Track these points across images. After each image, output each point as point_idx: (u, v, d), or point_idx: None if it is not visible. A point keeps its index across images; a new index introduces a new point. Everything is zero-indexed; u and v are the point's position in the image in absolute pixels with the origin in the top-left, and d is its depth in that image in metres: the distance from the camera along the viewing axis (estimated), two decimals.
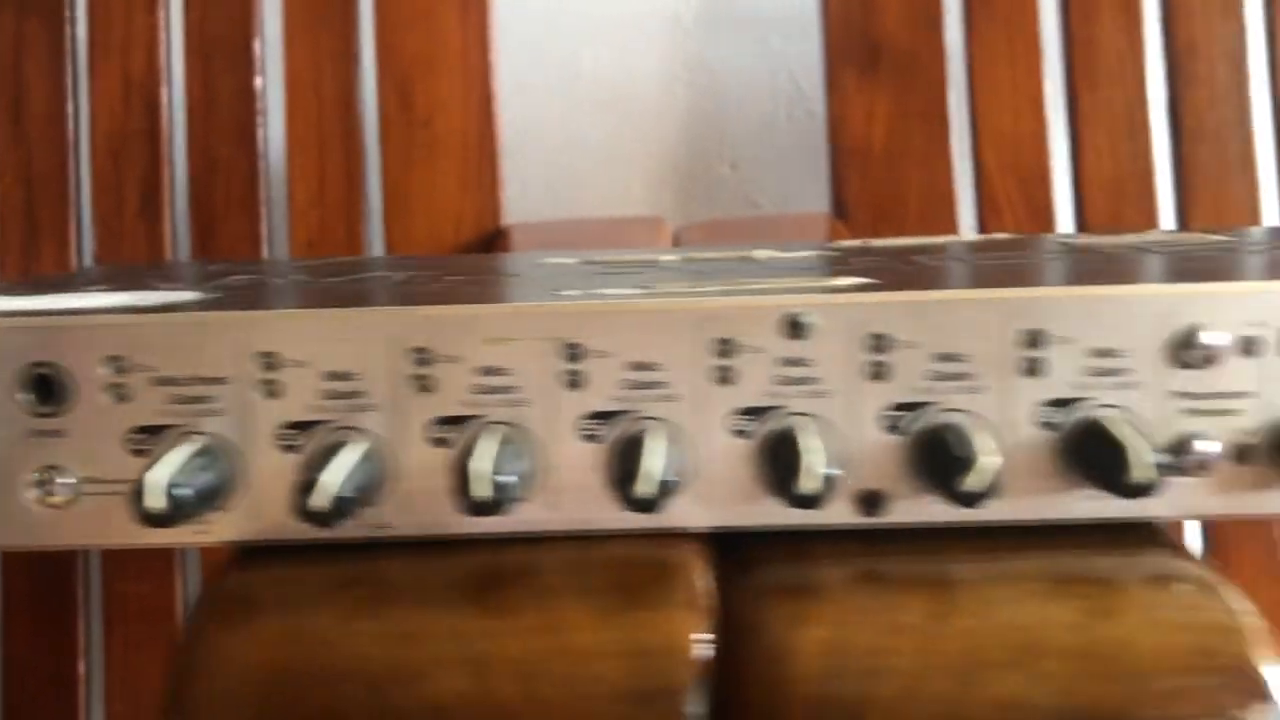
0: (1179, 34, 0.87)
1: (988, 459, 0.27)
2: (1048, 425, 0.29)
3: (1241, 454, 0.29)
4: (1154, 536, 0.30)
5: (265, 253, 0.81)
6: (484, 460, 0.27)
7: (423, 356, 0.29)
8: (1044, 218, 0.89)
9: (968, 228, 0.90)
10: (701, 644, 0.27)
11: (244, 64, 0.82)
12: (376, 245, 0.87)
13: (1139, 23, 0.87)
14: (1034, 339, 0.29)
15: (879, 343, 0.29)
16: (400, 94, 0.90)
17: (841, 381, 0.29)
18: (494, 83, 0.90)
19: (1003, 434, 0.29)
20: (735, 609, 0.28)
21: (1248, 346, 0.29)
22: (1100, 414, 0.28)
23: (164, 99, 0.80)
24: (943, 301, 0.29)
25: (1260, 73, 0.86)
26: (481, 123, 0.89)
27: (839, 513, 0.29)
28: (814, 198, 0.98)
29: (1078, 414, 0.29)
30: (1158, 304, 0.28)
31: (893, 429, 0.29)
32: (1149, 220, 0.88)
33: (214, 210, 0.81)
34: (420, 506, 0.29)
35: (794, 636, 0.26)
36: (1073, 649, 0.25)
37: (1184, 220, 0.88)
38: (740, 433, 0.29)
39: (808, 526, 0.29)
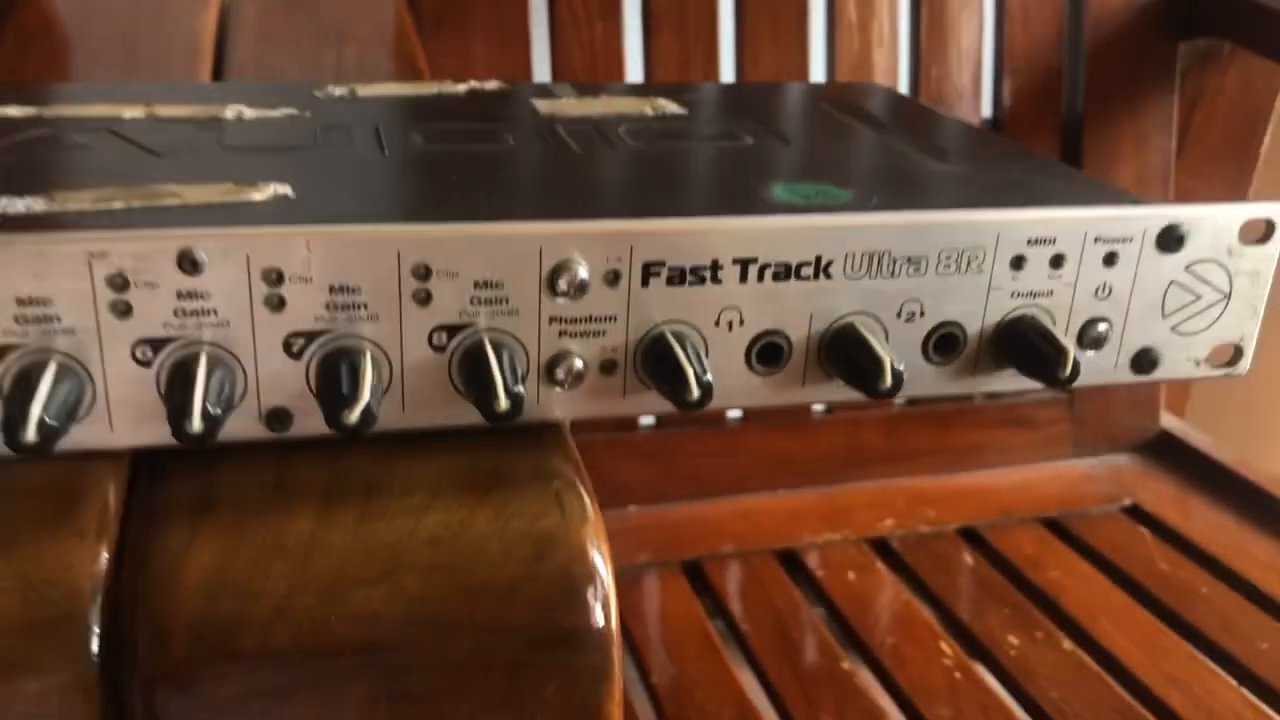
0: None
1: (365, 397, 0.30)
2: (438, 349, 0.32)
3: (607, 367, 0.34)
4: (543, 436, 0.34)
5: None
6: None
7: None
8: (614, 44, 0.90)
9: (537, 8, 0.90)
10: (100, 567, 0.29)
11: None
12: None
13: None
14: (424, 272, 0.31)
15: (274, 275, 0.30)
16: None
17: (240, 312, 0.30)
18: None
19: (397, 356, 0.32)
20: (141, 526, 0.30)
21: (611, 278, 0.33)
22: (479, 340, 0.32)
23: None
24: (337, 239, 0.30)
25: None
26: None
27: (247, 429, 0.31)
28: None
29: (461, 339, 0.32)
30: (533, 242, 0.32)
31: (295, 354, 0.31)
32: (709, 6, 0.92)
33: None
34: None
35: (185, 556, 0.29)
36: (428, 564, 0.29)
37: (740, 11, 0.92)
38: (144, 362, 0.30)
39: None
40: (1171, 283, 0.37)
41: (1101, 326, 0.37)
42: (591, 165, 0.40)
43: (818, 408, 1.02)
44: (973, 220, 0.35)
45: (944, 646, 0.81)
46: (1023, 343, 0.36)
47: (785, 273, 0.34)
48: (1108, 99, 1.00)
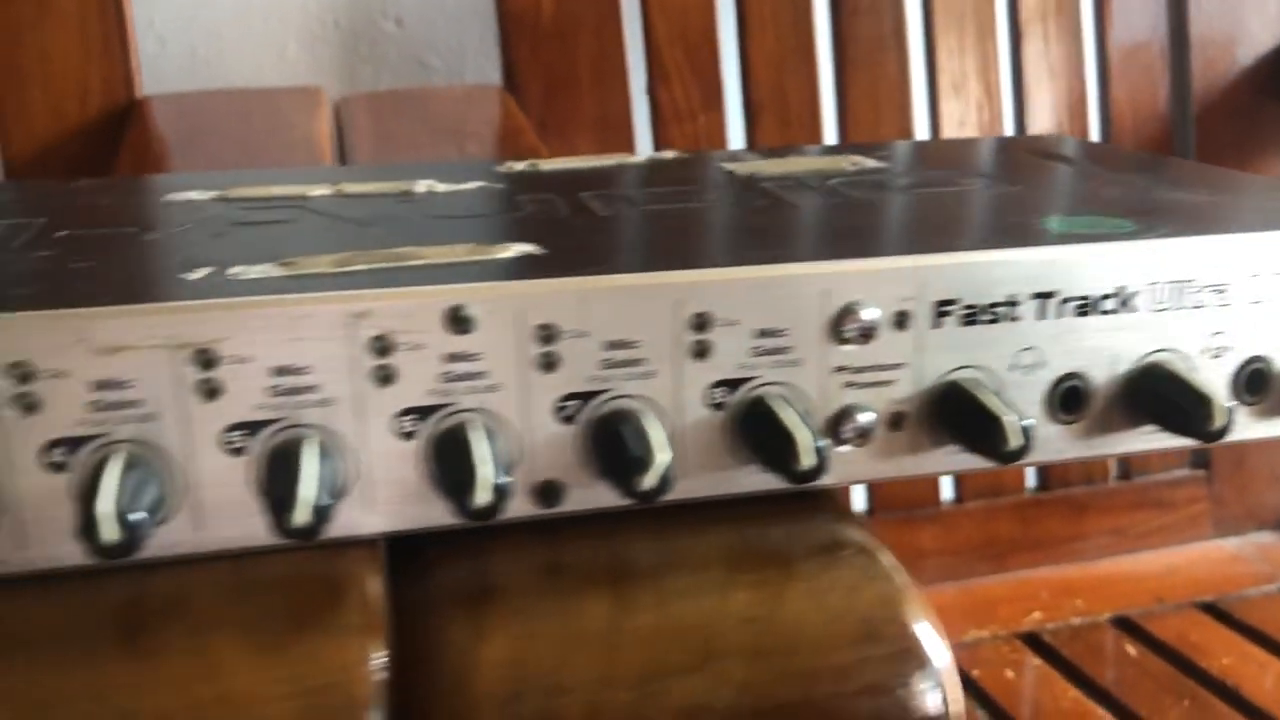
0: None
1: (661, 457, 0.26)
2: (716, 406, 0.29)
3: (895, 421, 0.30)
4: (822, 502, 0.30)
5: None
6: (108, 500, 0.24)
7: (21, 372, 0.25)
8: (712, 87, 0.89)
9: (638, 91, 0.89)
10: (377, 668, 0.25)
11: None
12: None
13: None
14: (701, 322, 0.28)
15: (547, 333, 0.27)
16: None
17: (511, 374, 0.27)
18: None
19: (674, 417, 0.28)
20: (412, 620, 0.26)
21: (900, 321, 0.29)
22: (765, 394, 0.28)
23: None
24: (611, 289, 0.27)
25: None
26: None
27: (516, 506, 0.28)
28: (485, 58, 0.94)
29: (743, 394, 0.29)
30: (817, 283, 0.28)
31: (567, 419, 0.28)
32: (810, 91, 0.90)
33: None
34: (37, 538, 0.26)
35: (475, 652, 0.25)
36: (749, 647, 0.25)
37: (842, 92, 0.91)
38: (407, 434, 0.27)
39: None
40: None
41: None
42: (829, 213, 0.37)
43: (946, 496, 0.97)
44: None
45: None
46: None
47: (1086, 307, 0.30)
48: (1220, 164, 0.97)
